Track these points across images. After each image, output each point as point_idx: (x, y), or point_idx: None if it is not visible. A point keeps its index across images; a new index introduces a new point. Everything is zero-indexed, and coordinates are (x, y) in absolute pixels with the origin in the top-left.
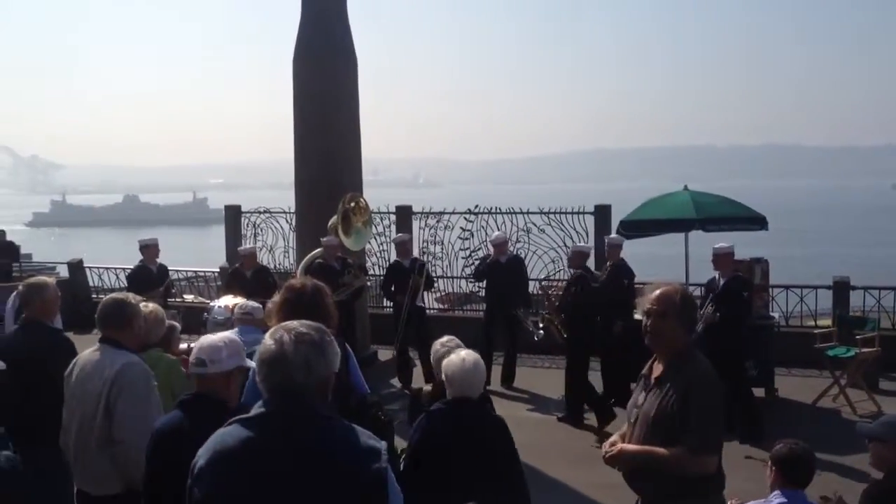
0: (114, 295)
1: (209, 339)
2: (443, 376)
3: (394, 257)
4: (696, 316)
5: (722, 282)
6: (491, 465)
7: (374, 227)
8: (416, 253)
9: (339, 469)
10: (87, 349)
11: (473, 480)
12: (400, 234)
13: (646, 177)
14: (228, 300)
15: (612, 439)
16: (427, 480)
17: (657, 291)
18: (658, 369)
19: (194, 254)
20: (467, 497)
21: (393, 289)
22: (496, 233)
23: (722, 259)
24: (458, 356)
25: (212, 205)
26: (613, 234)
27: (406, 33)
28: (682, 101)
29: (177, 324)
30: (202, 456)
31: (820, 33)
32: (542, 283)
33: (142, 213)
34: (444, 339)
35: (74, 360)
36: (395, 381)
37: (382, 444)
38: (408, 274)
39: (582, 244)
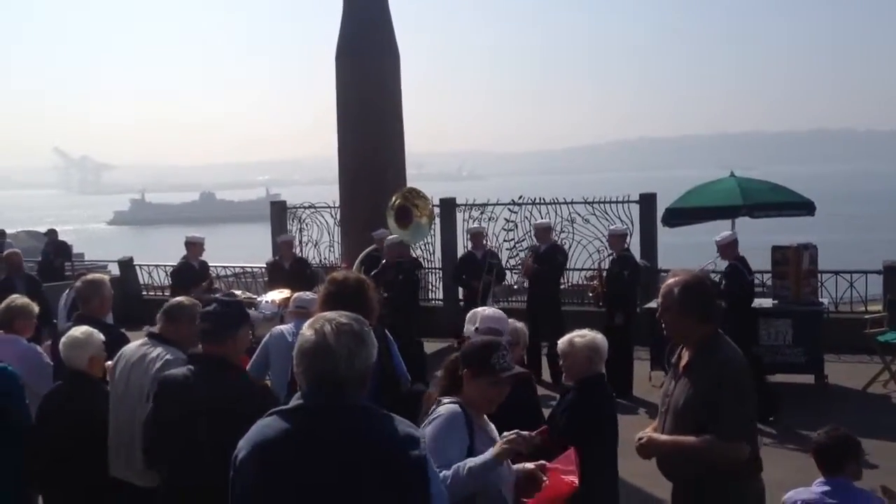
0: (180, 299)
1: (490, 313)
2: (560, 359)
3: (439, 250)
4: (709, 303)
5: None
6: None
7: (433, 219)
8: (459, 246)
9: (379, 458)
10: (133, 343)
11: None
12: (474, 226)
13: (693, 165)
14: (275, 295)
15: (645, 431)
16: None
17: (663, 285)
18: (685, 358)
19: (264, 250)
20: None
21: (464, 278)
22: (540, 220)
23: (722, 249)
24: (581, 337)
25: (284, 199)
26: (617, 225)
27: (447, 26)
28: (729, 88)
29: None
30: (243, 448)
31: (871, 12)
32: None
33: (218, 209)
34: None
35: (119, 353)
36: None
37: (421, 432)
38: (479, 265)
39: (615, 226)
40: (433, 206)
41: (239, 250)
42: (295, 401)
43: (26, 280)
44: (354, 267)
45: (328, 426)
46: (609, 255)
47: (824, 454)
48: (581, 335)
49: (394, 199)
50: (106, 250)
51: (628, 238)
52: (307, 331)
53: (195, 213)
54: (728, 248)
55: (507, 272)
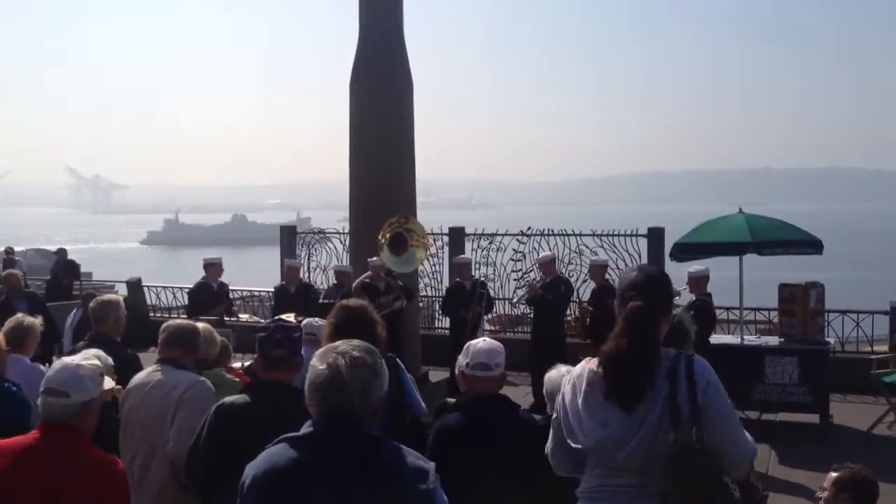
0: (180, 321)
1: (483, 346)
2: (543, 391)
3: (447, 279)
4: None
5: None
6: None
7: (427, 250)
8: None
9: (387, 490)
10: (144, 371)
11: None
12: (461, 256)
13: (702, 200)
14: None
15: None
16: None
17: None
18: None
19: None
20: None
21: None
22: (545, 253)
23: (694, 282)
24: (557, 372)
25: (313, 223)
26: (597, 257)
27: (459, 54)
28: (739, 124)
29: (228, 342)
30: (250, 475)
31: (881, 52)
32: None
33: (249, 231)
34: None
35: (131, 382)
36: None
37: (430, 465)
38: (467, 295)
39: (596, 258)
40: (430, 235)
41: (267, 273)
42: (305, 429)
43: (28, 299)
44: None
45: (338, 455)
46: (585, 282)
47: (858, 489)
48: (567, 370)
49: (386, 229)
50: (141, 270)
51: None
52: (319, 364)
53: (227, 235)
54: (699, 283)
55: (507, 302)
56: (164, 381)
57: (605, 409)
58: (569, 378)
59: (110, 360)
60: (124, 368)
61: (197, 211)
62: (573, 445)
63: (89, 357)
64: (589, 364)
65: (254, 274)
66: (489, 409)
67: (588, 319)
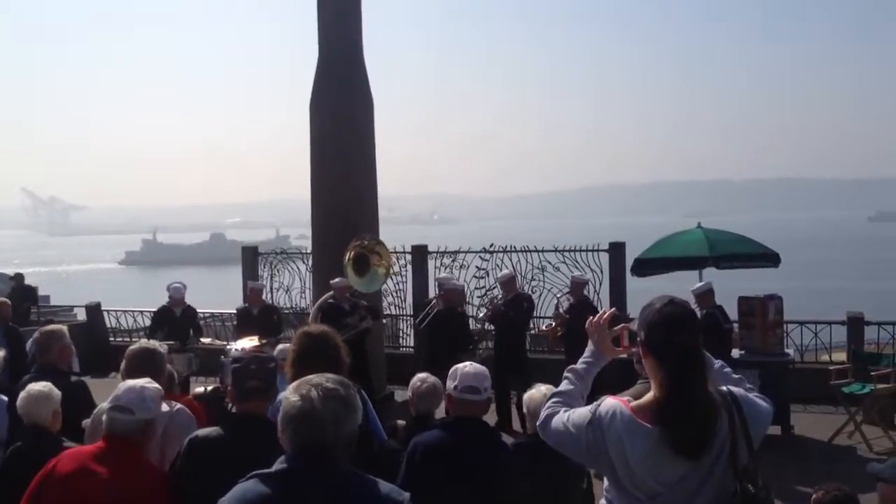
0: (143, 343)
1: (471, 370)
2: (524, 410)
3: (410, 297)
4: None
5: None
6: (574, 494)
7: (390, 269)
8: (430, 293)
9: None
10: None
11: None
12: (454, 283)
13: (663, 210)
14: (245, 343)
15: None
16: None
17: None
18: None
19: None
20: None
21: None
22: (504, 271)
23: (701, 299)
24: (538, 391)
25: (294, 242)
26: (577, 273)
27: (423, 72)
28: (698, 137)
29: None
30: None
31: (837, 65)
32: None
33: (227, 250)
34: (423, 374)
35: (96, 411)
36: None
37: (405, 496)
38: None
39: (577, 274)
40: (393, 254)
41: (235, 293)
42: (278, 465)
43: (6, 332)
44: (311, 316)
45: (311, 491)
46: (563, 295)
47: None
48: (547, 387)
49: (351, 250)
50: (118, 291)
51: (597, 286)
52: (292, 396)
53: (206, 254)
54: (704, 298)
55: (471, 319)
56: None
57: (664, 462)
58: (606, 421)
59: (57, 392)
60: (71, 398)
61: (162, 231)
62: (624, 496)
63: (47, 386)
64: (628, 407)
65: (232, 294)
66: (470, 431)
67: (561, 332)
